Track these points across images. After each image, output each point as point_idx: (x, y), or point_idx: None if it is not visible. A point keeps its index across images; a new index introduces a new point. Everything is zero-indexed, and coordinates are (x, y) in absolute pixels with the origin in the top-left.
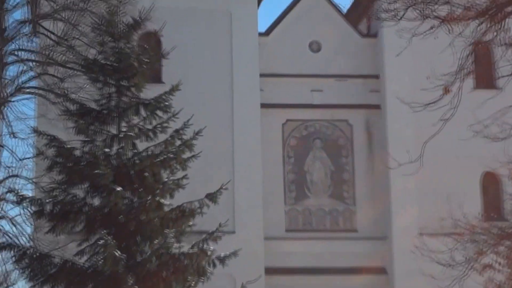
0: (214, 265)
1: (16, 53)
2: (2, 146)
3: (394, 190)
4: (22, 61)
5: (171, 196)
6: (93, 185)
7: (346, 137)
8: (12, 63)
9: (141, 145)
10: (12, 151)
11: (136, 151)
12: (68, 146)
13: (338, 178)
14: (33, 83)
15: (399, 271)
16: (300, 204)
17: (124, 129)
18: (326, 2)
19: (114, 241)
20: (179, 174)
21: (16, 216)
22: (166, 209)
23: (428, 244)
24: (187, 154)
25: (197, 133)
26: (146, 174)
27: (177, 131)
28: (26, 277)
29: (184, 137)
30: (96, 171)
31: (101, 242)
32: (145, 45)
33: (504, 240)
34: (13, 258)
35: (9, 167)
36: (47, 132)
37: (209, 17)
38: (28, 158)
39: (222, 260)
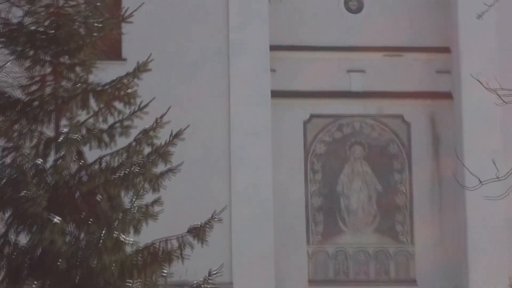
0: None
1: None
2: None
3: (472, 221)
4: None
5: (137, 231)
6: (18, 215)
7: (401, 142)
8: None
9: (91, 154)
10: None
11: (83, 162)
12: None
13: (389, 203)
14: None
15: None
16: (330, 242)
17: (65, 130)
18: None
19: None
20: (149, 197)
21: None
22: (129, 250)
23: None
24: (160, 168)
25: (176, 136)
26: (99, 197)
27: (145, 132)
28: None
29: (156, 141)
30: (23, 193)
31: None
32: (97, 3)
33: None
34: None
35: None
36: None
37: None
38: None
39: None
